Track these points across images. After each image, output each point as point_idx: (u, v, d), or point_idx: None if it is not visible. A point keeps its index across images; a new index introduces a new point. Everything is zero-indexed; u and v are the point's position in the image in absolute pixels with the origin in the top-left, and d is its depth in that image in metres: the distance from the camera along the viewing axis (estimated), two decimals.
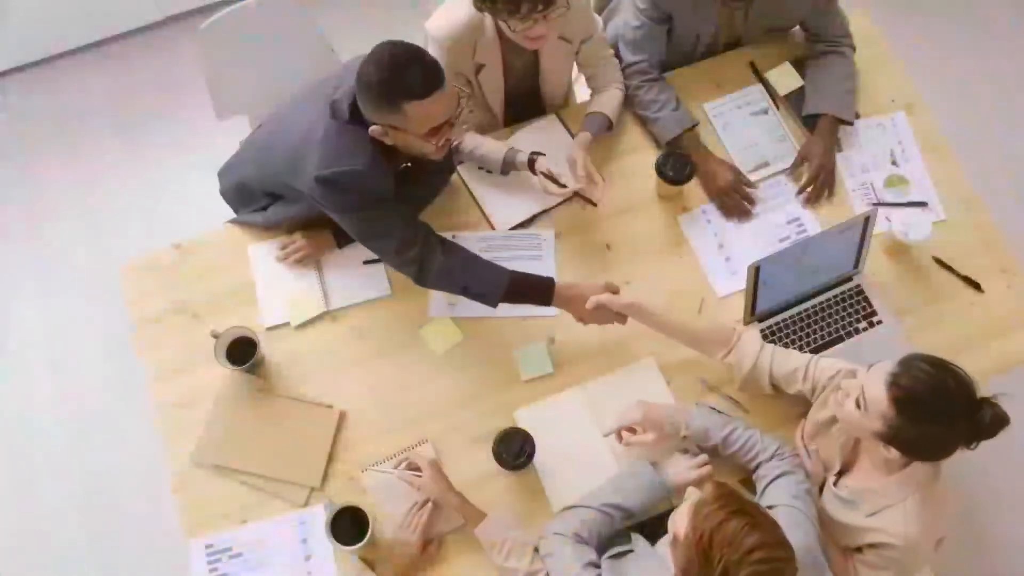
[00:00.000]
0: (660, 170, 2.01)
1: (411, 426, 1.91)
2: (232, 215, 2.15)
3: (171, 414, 1.94)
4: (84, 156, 3.10)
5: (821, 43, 2.16)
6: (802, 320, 1.98)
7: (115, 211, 3.02)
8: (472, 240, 2.07)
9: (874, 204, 2.10)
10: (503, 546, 1.70)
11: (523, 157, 2.03)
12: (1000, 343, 1.99)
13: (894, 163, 2.15)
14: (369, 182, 1.73)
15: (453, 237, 2.07)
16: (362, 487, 1.87)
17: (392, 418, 1.93)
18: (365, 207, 1.76)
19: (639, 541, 1.67)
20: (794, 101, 2.20)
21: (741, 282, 1.95)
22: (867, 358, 1.92)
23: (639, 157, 2.16)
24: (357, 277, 2.04)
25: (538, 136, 2.17)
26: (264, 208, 2.05)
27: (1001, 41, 3.26)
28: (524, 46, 1.87)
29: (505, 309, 1.92)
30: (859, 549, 1.66)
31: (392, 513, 1.83)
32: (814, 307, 1.99)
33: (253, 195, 2.07)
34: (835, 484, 1.68)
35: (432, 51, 1.99)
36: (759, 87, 2.23)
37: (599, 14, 2.44)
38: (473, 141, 2.08)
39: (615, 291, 1.87)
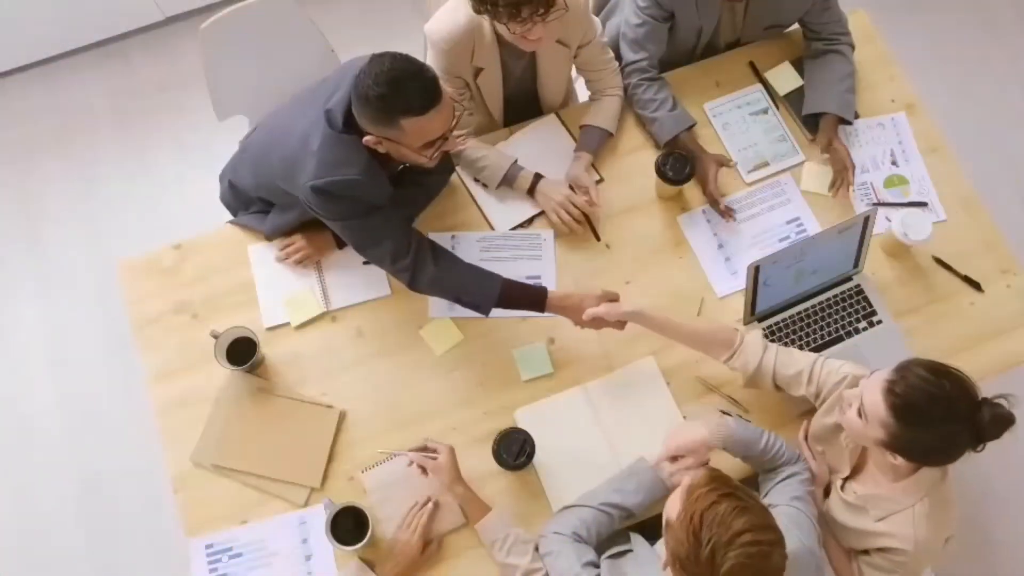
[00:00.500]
0: (660, 170, 2.01)
1: (411, 426, 1.91)
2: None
3: (171, 414, 1.94)
4: (84, 156, 3.10)
5: (820, 41, 2.16)
6: (802, 320, 1.98)
7: (115, 211, 3.02)
8: (472, 240, 2.07)
9: (874, 204, 2.10)
10: (504, 542, 1.70)
11: (524, 179, 2.03)
12: (1000, 343, 1.99)
13: (894, 163, 2.15)
14: (363, 191, 1.73)
15: (453, 237, 2.07)
16: (362, 487, 1.87)
17: (392, 418, 1.93)
18: (359, 215, 1.77)
19: (638, 541, 1.68)
20: (794, 101, 2.20)
21: (741, 282, 1.95)
22: (867, 358, 1.93)
23: (639, 157, 2.16)
24: (357, 277, 2.04)
25: (538, 137, 2.17)
26: (260, 212, 2.06)
27: (1001, 41, 3.26)
28: (521, 47, 1.87)
29: (505, 310, 1.93)
30: (866, 551, 1.66)
31: (392, 513, 1.83)
32: (814, 307, 1.99)
33: (250, 201, 2.08)
34: (842, 489, 1.68)
35: (431, 54, 1.99)
36: (759, 87, 2.23)
37: (597, 15, 2.43)
38: (477, 151, 2.08)
39: (614, 298, 1.86)
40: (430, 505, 1.81)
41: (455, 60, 1.96)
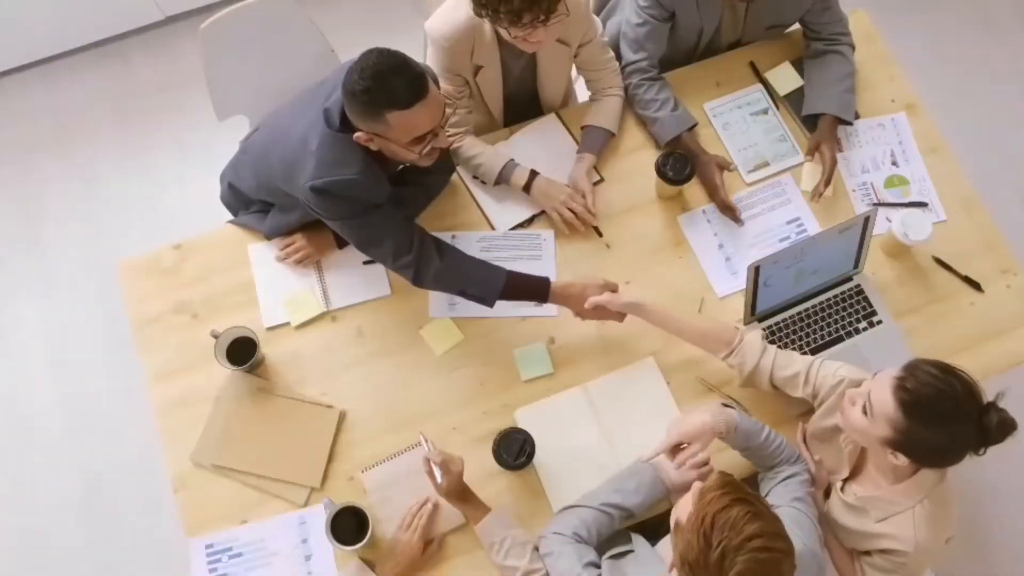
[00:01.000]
0: (660, 170, 2.01)
1: (411, 426, 1.91)
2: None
3: (171, 414, 1.94)
4: (84, 156, 3.10)
5: (820, 41, 2.16)
6: (802, 320, 1.98)
7: (115, 211, 3.02)
8: (472, 240, 2.07)
9: (874, 204, 2.10)
10: (502, 544, 1.70)
11: (520, 175, 2.03)
12: (1000, 343, 1.99)
13: (894, 163, 2.15)
14: (362, 190, 1.73)
15: (453, 237, 2.07)
16: (362, 487, 1.87)
17: (392, 418, 1.93)
18: (359, 214, 1.77)
19: (639, 541, 1.68)
20: (794, 101, 2.20)
21: (741, 282, 1.95)
22: (867, 358, 1.93)
23: (639, 157, 2.16)
24: (357, 277, 2.04)
25: (538, 136, 2.17)
26: (260, 212, 2.06)
27: (1001, 41, 3.26)
28: (522, 48, 1.88)
29: (505, 309, 1.93)
30: (867, 552, 1.66)
31: (392, 513, 1.83)
32: (814, 307, 1.99)
33: (250, 202, 2.08)
34: (841, 490, 1.67)
35: (431, 51, 1.99)
36: (759, 87, 2.23)
37: (597, 14, 2.43)
38: (473, 148, 2.08)
39: (614, 289, 1.87)
40: (430, 505, 1.81)
41: (455, 58, 1.96)
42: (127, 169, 3.08)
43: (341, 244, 2.03)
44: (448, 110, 1.72)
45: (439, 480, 1.71)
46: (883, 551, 1.60)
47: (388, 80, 1.58)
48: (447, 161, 2.03)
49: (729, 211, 2.07)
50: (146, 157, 3.10)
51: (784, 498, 1.61)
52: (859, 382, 1.64)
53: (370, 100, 1.59)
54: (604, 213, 2.09)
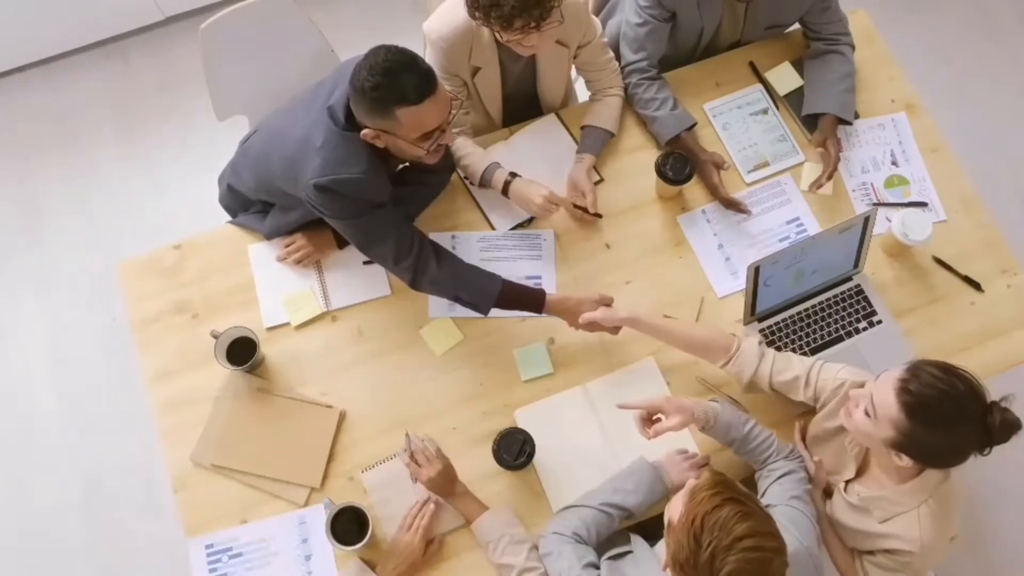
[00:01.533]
0: (660, 170, 2.01)
1: (411, 426, 1.91)
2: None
3: (171, 414, 1.94)
4: (84, 157, 3.10)
5: (820, 41, 2.16)
6: (802, 320, 1.98)
7: (115, 211, 3.02)
8: (472, 240, 2.07)
9: (874, 204, 2.10)
10: (499, 543, 1.70)
11: (499, 178, 2.02)
12: (1000, 343, 1.99)
13: (894, 163, 2.15)
14: (366, 189, 1.73)
15: (453, 237, 2.07)
16: (362, 487, 1.87)
17: (392, 418, 1.93)
18: (362, 214, 1.77)
19: (638, 542, 1.68)
20: (794, 101, 2.20)
21: (741, 282, 1.95)
22: (867, 358, 1.93)
23: (639, 157, 2.16)
24: (357, 277, 2.04)
25: (538, 137, 2.17)
26: (260, 212, 2.06)
27: (1001, 41, 3.26)
28: (517, 52, 1.88)
29: (503, 310, 1.92)
30: (870, 551, 1.65)
31: (392, 513, 1.84)
32: (814, 307, 1.99)
33: (250, 203, 2.08)
34: (845, 491, 1.67)
35: (429, 52, 1.99)
36: (759, 87, 2.23)
37: (596, 15, 2.43)
38: (463, 149, 2.07)
39: (609, 303, 1.88)
40: (431, 505, 1.81)
41: (453, 59, 1.96)
42: (127, 169, 3.08)
43: (341, 244, 2.03)
44: (454, 107, 1.72)
45: (417, 475, 1.74)
46: (887, 551, 1.60)
47: (398, 76, 1.58)
48: (447, 160, 2.03)
49: (734, 206, 2.06)
50: (146, 157, 3.10)
51: (781, 496, 1.60)
52: (860, 384, 1.64)
53: (380, 96, 1.60)
54: (604, 213, 2.09)
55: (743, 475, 1.81)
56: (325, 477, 1.88)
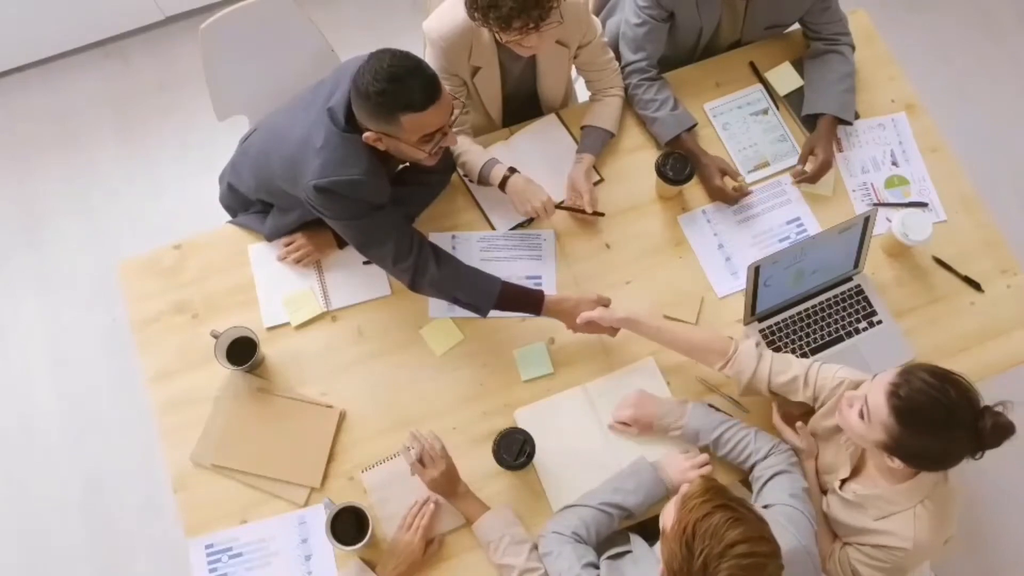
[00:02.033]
0: (660, 170, 2.01)
1: (411, 426, 1.90)
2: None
3: (171, 414, 1.94)
4: (84, 157, 3.10)
5: (820, 41, 2.16)
6: (802, 320, 1.98)
7: (115, 211, 3.02)
8: (472, 240, 2.07)
9: (874, 204, 2.10)
10: (499, 543, 1.70)
11: (497, 173, 2.01)
12: (1000, 343, 1.99)
13: (894, 163, 2.15)
14: (366, 191, 1.73)
15: (453, 237, 2.07)
16: (362, 487, 1.87)
17: (392, 418, 1.93)
18: (362, 215, 1.77)
19: (637, 542, 1.68)
20: (794, 101, 2.20)
21: (741, 282, 1.95)
22: (867, 358, 1.93)
23: (639, 157, 2.16)
24: (357, 277, 2.04)
25: (538, 137, 2.17)
26: (260, 212, 2.06)
27: (1001, 41, 3.26)
28: (516, 52, 1.88)
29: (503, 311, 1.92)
30: (860, 543, 1.65)
31: (392, 513, 1.84)
32: (814, 307, 1.99)
33: (249, 203, 2.08)
34: (840, 488, 1.68)
35: (429, 52, 1.99)
36: (759, 87, 2.23)
37: (596, 15, 2.43)
38: (461, 145, 2.07)
39: (606, 303, 1.89)
40: (431, 504, 1.81)
41: (452, 59, 1.96)
42: (127, 169, 3.08)
43: (341, 244, 2.03)
44: (456, 109, 1.72)
45: (420, 474, 1.74)
46: (879, 546, 1.60)
47: (404, 83, 1.58)
48: (448, 160, 2.03)
49: (738, 196, 2.06)
50: (146, 157, 3.10)
51: (781, 495, 1.61)
52: (858, 383, 1.64)
53: (385, 102, 1.60)
54: (604, 213, 2.09)
55: (741, 476, 1.81)
56: (325, 477, 1.88)
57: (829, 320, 1.98)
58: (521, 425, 1.89)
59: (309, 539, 1.84)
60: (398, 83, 1.58)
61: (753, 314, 1.97)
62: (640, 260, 2.06)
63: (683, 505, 1.33)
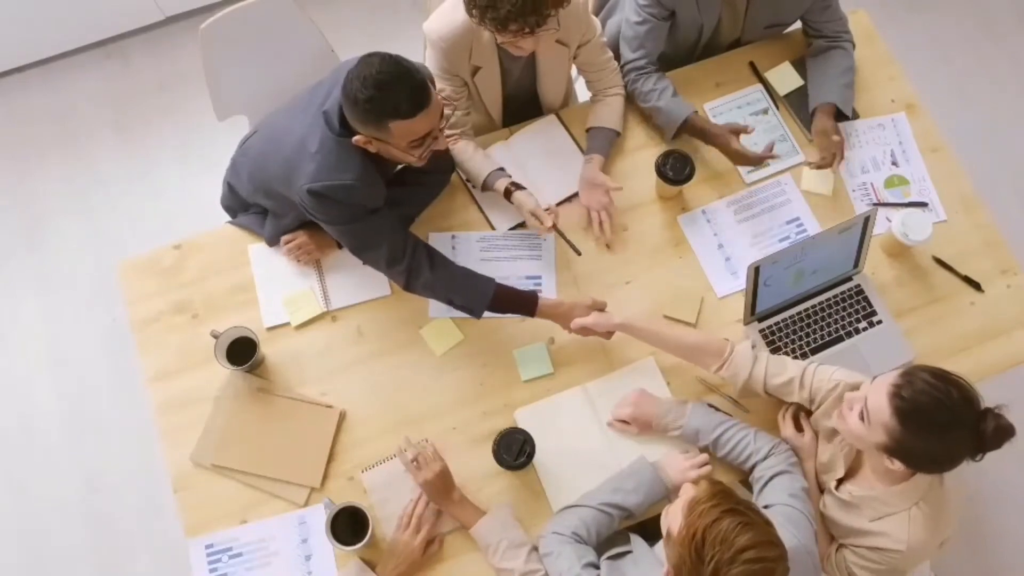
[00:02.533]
0: (660, 170, 2.01)
1: (411, 426, 1.91)
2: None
3: (171, 414, 1.94)
4: (84, 156, 3.10)
5: (822, 39, 2.16)
6: (802, 320, 1.98)
7: (115, 211, 3.03)
8: (472, 240, 2.07)
9: (874, 204, 2.10)
10: (498, 547, 1.70)
11: (502, 185, 2.01)
12: (1000, 343, 1.99)
13: (894, 163, 2.15)
14: (360, 195, 1.73)
15: (453, 237, 2.07)
16: (362, 487, 1.87)
17: (392, 418, 1.93)
18: (355, 219, 1.77)
19: (637, 542, 1.68)
20: (794, 101, 2.19)
21: (741, 282, 1.95)
22: (867, 358, 1.93)
23: (639, 157, 2.16)
24: (357, 277, 2.04)
25: (538, 137, 2.17)
26: (260, 213, 2.06)
27: (1001, 41, 3.26)
28: (512, 53, 1.88)
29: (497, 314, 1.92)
30: (855, 545, 1.66)
31: (392, 513, 1.84)
32: (814, 307, 1.99)
33: (247, 205, 2.08)
34: (836, 489, 1.68)
35: (429, 52, 1.99)
36: (759, 87, 2.23)
37: (596, 14, 2.43)
38: (464, 152, 2.07)
39: (602, 307, 1.89)
40: (431, 504, 1.81)
41: (453, 59, 1.96)
42: (127, 169, 3.08)
43: (340, 244, 2.03)
44: (447, 111, 1.72)
45: (415, 477, 1.75)
46: (874, 548, 1.60)
47: (391, 90, 1.57)
48: (447, 160, 2.03)
49: (764, 157, 2.02)
50: (146, 157, 3.10)
51: (781, 495, 1.61)
52: (854, 385, 1.64)
53: (372, 109, 1.59)
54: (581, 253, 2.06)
55: (741, 476, 1.81)
56: (325, 477, 1.88)
57: (829, 320, 1.98)
58: (521, 425, 1.89)
59: (309, 539, 1.84)
60: (386, 90, 1.57)
61: (753, 314, 1.97)
62: (640, 260, 2.06)
63: (691, 510, 1.33)
